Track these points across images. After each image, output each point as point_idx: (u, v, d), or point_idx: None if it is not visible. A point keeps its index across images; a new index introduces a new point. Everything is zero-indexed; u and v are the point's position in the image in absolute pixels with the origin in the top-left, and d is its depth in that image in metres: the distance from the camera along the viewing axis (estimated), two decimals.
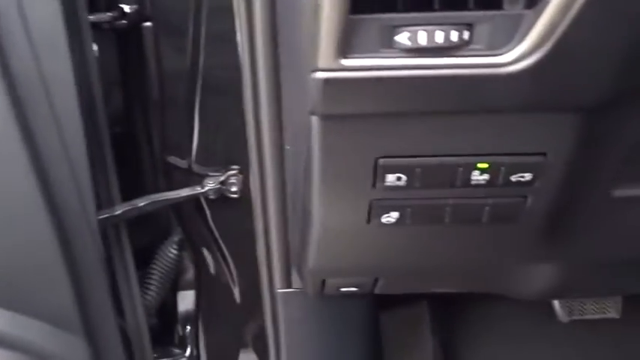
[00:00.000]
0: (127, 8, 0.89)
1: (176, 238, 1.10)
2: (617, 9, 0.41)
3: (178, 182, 1.00)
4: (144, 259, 1.12)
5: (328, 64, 0.41)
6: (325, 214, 0.55)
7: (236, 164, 0.90)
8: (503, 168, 0.51)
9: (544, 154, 0.50)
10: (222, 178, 0.93)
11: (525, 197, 0.55)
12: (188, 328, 1.20)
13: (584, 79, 0.43)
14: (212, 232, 1.08)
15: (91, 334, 0.79)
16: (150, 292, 1.08)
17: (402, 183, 0.51)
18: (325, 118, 0.46)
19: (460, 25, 0.40)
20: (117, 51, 0.96)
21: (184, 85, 0.91)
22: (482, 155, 0.50)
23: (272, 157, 0.67)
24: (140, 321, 0.92)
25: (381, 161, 0.50)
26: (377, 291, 0.91)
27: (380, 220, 0.56)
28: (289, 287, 1.02)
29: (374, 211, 0.55)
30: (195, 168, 1.00)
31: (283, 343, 1.06)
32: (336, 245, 0.63)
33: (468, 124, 0.48)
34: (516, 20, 0.41)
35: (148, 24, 0.91)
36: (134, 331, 0.92)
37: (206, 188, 0.96)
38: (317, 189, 0.53)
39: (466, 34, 0.41)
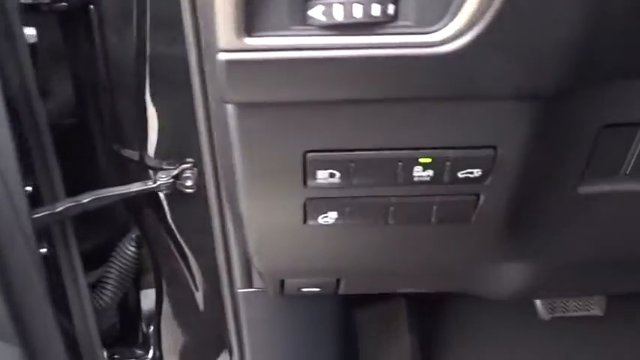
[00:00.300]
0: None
1: (134, 235, 1.04)
2: None
3: (132, 176, 0.94)
4: (103, 257, 1.06)
5: (230, 44, 0.35)
6: (255, 214, 0.50)
7: (191, 157, 0.85)
8: (448, 163, 0.45)
9: (494, 147, 0.45)
10: (175, 172, 0.88)
11: (477, 195, 0.49)
12: (152, 328, 1.15)
13: (529, 63, 0.37)
14: (170, 229, 1.03)
15: (27, 340, 0.73)
16: (106, 292, 1.03)
17: (335, 180, 0.46)
18: (241, 106, 0.41)
19: None
20: (62, 36, 0.90)
21: (133, 73, 0.85)
22: (424, 149, 0.44)
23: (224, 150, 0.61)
24: (89, 323, 0.87)
25: (310, 156, 0.44)
26: (341, 291, 0.86)
27: (317, 221, 0.50)
28: (250, 287, 0.97)
29: (309, 211, 0.49)
30: (148, 161, 0.94)
31: (247, 344, 1.01)
32: (276, 246, 0.57)
33: (405, 114, 0.42)
34: None
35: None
36: (83, 334, 0.87)
37: (158, 183, 0.90)
38: (242, 187, 0.47)
39: (391, 9, 0.35)
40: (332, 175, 0.45)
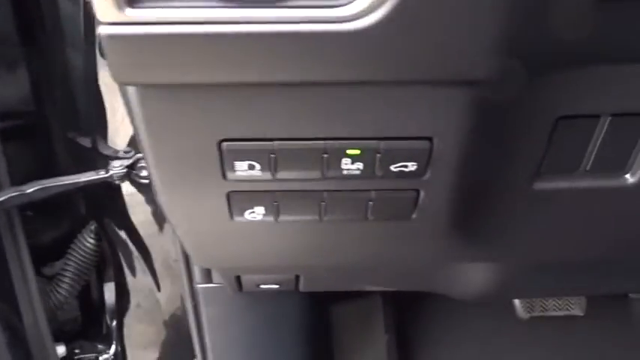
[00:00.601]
0: None
1: (93, 227, 1.01)
2: None
3: (91, 165, 0.90)
4: (64, 249, 1.03)
5: (110, 16, 0.31)
6: (174, 209, 0.45)
7: None
8: (379, 155, 0.41)
9: (429, 138, 0.40)
10: (130, 162, 0.84)
11: (417, 191, 0.45)
12: (114, 322, 1.11)
13: (449, 43, 0.33)
14: (129, 221, 0.99)
15: None
16: (63, 285, 0.99)
17: (257, 173, 0.42)
18: (141, 88, 0.36)
19: None
20: (15, 23, 0.86)
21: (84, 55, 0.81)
22: (351, 139, 0.40)
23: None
24: (38, 317, 0.83)
25: (226, 145, 0.40)
26: (302, 289, 0.83)
27: (244, 217, 0.46)
28: (210, 282, 0.93)
29: (233, 206, 0.45)
30: (102, 149, 0.90)
31: (208, 341, 0.98)
32: (208, 243, 0.53)
33: (328, 101, 0.38)
34: None
35: None
36: (32, 330, 0.83)
37: (111, 172, 0.87)
38: (156, 180, 0.43)
39: None
40: (252, 167, 0.41)
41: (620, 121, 0.47)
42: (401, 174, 0.42)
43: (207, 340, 0.98)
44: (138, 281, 1.01)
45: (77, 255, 0.99)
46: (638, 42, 0.37)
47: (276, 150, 0.40)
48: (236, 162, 0.41)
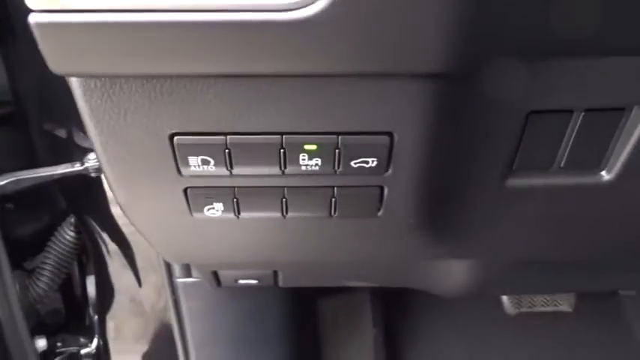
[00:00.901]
0: None
1: (73, 220, 0.99)
2: None
3: (69, 158, 0.89)
4: (44, 243, 1.01)
5: (40, 3, 0.29)
6: (129, 205, 0.44)
7: None
8: (338, 151, 0.39)
9: (389, 133, 0.39)
10: None
11: (381, 188, 0.44)
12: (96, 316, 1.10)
13: (396, 34, 0.31)
14: (108, 213, 0.97)
15: None
16: (43, 278, 0.98)
17: (211, 168, 0.40)
18: (83, 79, 0.35)
19: None
20: None
21: None
22: (308, 134, 0.38)
23: None
24: (15, 312, 0.82)
25: (178, 139, 0.39)
26: (281, 284, 0.81)
27: (203, 213, 0.45)
28: (189, 277, 0.92)
29: (191, 202, 0.43)
30: (79, 140, 0.88)
31: (189, 336, 0.97)
32: (173, 238, 0.51)
33: (281, 93, 0.36)
34: None
35: None
36: (8, 324, 0.82)
37: (86, 165, 0.85)
38: (109, 174, 0.41)
39: None
40: (206, 162, 0.39)
41: (593, 117, 0.46)
42: (362, 170, 0.40)
43: (188, 334, 0.97)
44: (130, 275, 0.99)
45: (56, 248, 0.98)
46: (605, 34, 0.36)
47: (230, 145, 0.38)
48: (190, 157, 0.39)
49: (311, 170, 0.40)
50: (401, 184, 0.43)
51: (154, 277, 1.06)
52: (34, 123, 0.95)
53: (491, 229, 0.54)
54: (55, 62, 0.31)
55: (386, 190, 0.43)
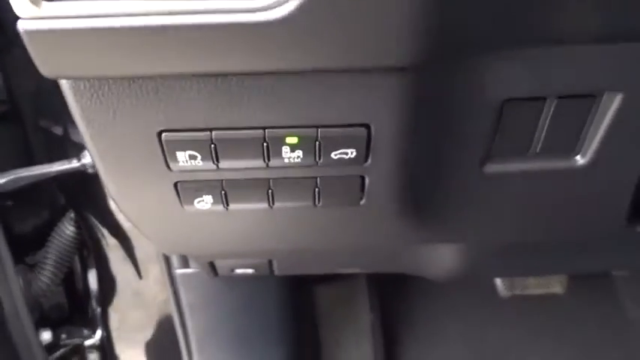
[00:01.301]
0: None
1: (72, 215, 1.01)
2: None
3: (66, 154, 0.91)
4: (45, 238, 1.04)
5: (27, 11, 0.31)
6: (124, 199, 0.46)
7: None
8: (318, 143, 0.41)
9: (366, 125, 0.41)
10: None
11: (362, 177, 0.46)
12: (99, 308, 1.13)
13: (365, 31, 0.33)
14: (107, 208, 0.99)
15: None
16: (45, 273, 1.00)
17: (199, 163, 0.42)
18: (72, 80, 0.36)
19: None
20: None
21: None
22: (289, 127, 0.40)
23: None
24: (19, 306, 0.84)
25: (166, 136, 0.41)
26: (276, 272, 0.83)
27: (194, 206, 0.47)
28: (187, 267, 0.94)
29: (182, 195, 0.46)
30: (74, 137, 0.90)
31: (189, 326, 0.99)
32: (166, 230, 0.53)
33: (261, 90, 0.38)
34: None
35: None
36: (12, 318, 0.84)
37: (83, 161, 0.87)
38: (101, 169, 0.43)
39: None
40: (193, 157, 0.41)
41: (566, 103, 0.47)
42: (342, 161, 0.42)
43: (188, 325, 1.00)
44: (131, 268, 1.02)
45: (57, 243, 1.00)
46: (568, 23, 0.38)
47: (216, 140, 0.40)
48: (177, 152, 0.41)
49: (294, 162, 0.42)
50: (381, 173, 0.45)
51: (154, 270, 1.09)
52: (30, 121, 0.97)
53: (473, 212, 0.56)
54: (44, 66, 0.33)
55: (367, 180, 0.45)
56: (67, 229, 1.01)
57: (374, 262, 0.80)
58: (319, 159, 0.42)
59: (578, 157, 0.51)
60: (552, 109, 0.47)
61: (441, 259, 0.74)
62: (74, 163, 0.83)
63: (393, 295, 1.30)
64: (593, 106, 0.47)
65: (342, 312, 1.31)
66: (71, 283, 1.14)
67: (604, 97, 0.46)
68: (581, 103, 0.47)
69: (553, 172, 0.52)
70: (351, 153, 0.41)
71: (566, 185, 0.54)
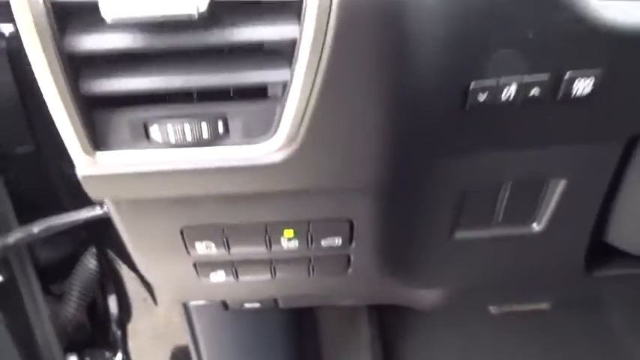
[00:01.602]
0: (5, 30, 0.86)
1: (94, 250, 1.11)
2: (352, 102, 0.39)
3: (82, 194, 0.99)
4: (69, 267, 1.13)
5: (82, 163, 0.40)
6: (151, 272, 0.55)
7: None
8: (309, 234, 0.50)
9: (349, 220, 0.50)
10: None
11: (348, 256, 0.55)
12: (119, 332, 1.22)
13: (344, 167, 0.42)
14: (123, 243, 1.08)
15: None
16: (71, 304, 1.10)
17: (213, 250, 0.51)
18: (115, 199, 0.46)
19: (213, 118, 0.39)
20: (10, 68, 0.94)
21: None
22: (286, 222, 0.50)
23: None
24: (49, 334, 0.94)
25: (186, 231, 0.50)
26: (281, 306, 0.92)
27: (209, 279, 0.56)
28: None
29: (200, 271, 0.55)
30: None
31: (204, 355, 1.08)
32: (184, 292, 0.63)
33: (264, 198, 0.47)
34: (267, 112, 0.40)
35: None
36: (45, 347, 0.94)
37: (105, 209, 0.96)
38: (135, 256, 0.53)
39: (221, 126, 0.40)
40: (209, 247, 0.51)
41: (520, 187, 0.56)
42: (331, 246, 0.51)
43: (202, 352, 1.09)
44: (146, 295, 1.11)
45: (81, 276, 1.09)
46: (504, 137, 0.46)
47: (227, 233, 0.50)
48: (196, 242, 0.50)
49: (291, 248, 0.51)
50: (364, 252, 0.54)
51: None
52: (54, 165, 1.05)
53: (445, 268, 0.65)
54: (94, 194, 0.42)
55: (352, 257, 0.54)
56: (90, 262, 1.11)
57: (368, 298, 0.89)
58: (311, 245, 0.51)
59: (534, 225, 0.59)
60: (508, 192, 0.55)
61: (423, 297, 0.82)
62: (97, 211, 0.92)
63: (392, 311, 1.38)
64: (542, 188, 0.55)
65: (343, 327, 1.39)
66: (92, 308, 1.23)
67: (551, 182, 0.54)
68: (532, 186, 0.56)
69: (514, 237, 0.61)
70: (338, 240, 0.50)
71: (527, 246, 0.62)
